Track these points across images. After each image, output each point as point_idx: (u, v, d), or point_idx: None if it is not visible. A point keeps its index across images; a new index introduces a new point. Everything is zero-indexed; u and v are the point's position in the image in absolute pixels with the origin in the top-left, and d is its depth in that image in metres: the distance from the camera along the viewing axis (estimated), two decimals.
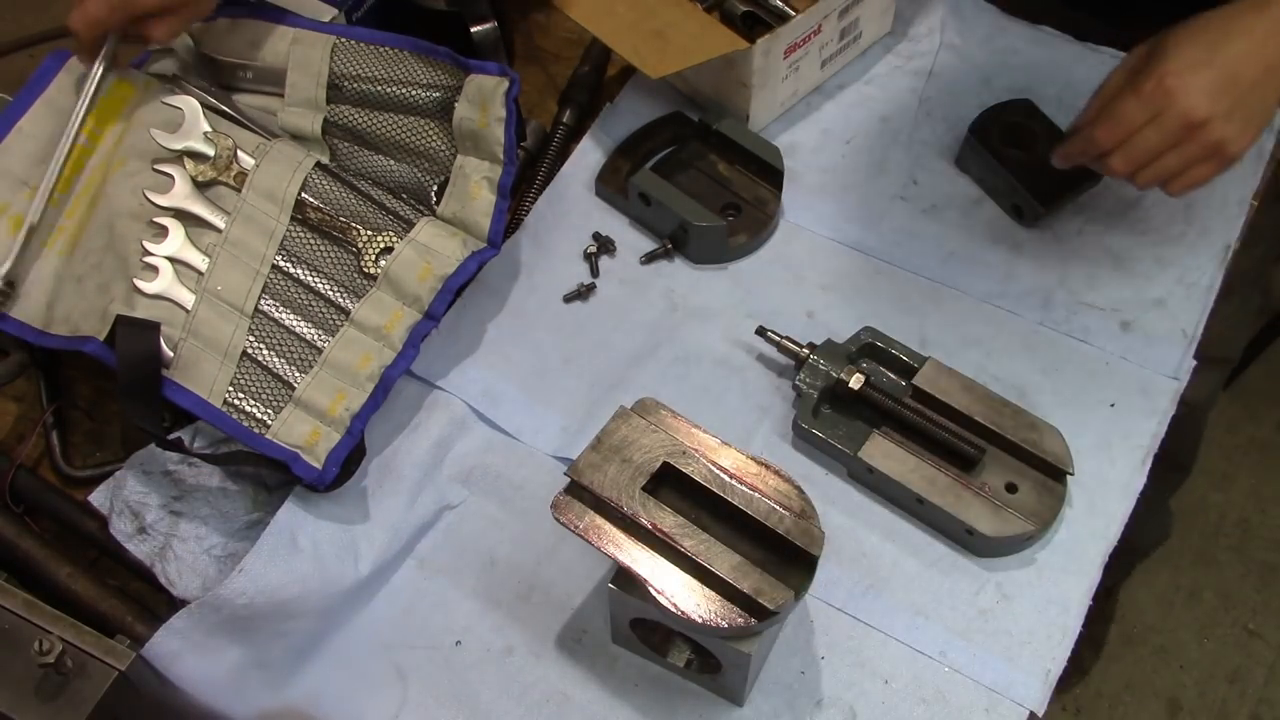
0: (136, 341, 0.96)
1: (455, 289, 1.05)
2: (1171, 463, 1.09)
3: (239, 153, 1.06)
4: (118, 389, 0.95)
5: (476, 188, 1.08)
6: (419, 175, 1.10)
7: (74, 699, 0.82)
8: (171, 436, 0.98)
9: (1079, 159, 1.00)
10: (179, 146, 1.04)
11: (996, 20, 1.27)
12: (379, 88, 1.09)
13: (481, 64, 1.07)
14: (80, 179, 1.06)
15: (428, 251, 1.04)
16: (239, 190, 1.04)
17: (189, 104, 1.06)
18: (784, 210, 1.17)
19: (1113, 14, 1.23)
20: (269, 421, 0.99)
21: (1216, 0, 0.92)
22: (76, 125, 1.04)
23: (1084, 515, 0.98)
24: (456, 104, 1.08)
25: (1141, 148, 0.92)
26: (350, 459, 0.99)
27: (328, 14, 1.14)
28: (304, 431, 0.98)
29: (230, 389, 0.99)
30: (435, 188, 1.10)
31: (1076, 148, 1.00)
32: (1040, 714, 0.90)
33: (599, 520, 0.82)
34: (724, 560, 0.80)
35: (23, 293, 1.02)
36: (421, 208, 1.09)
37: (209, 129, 1.05)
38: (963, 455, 0.97)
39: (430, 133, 1.09)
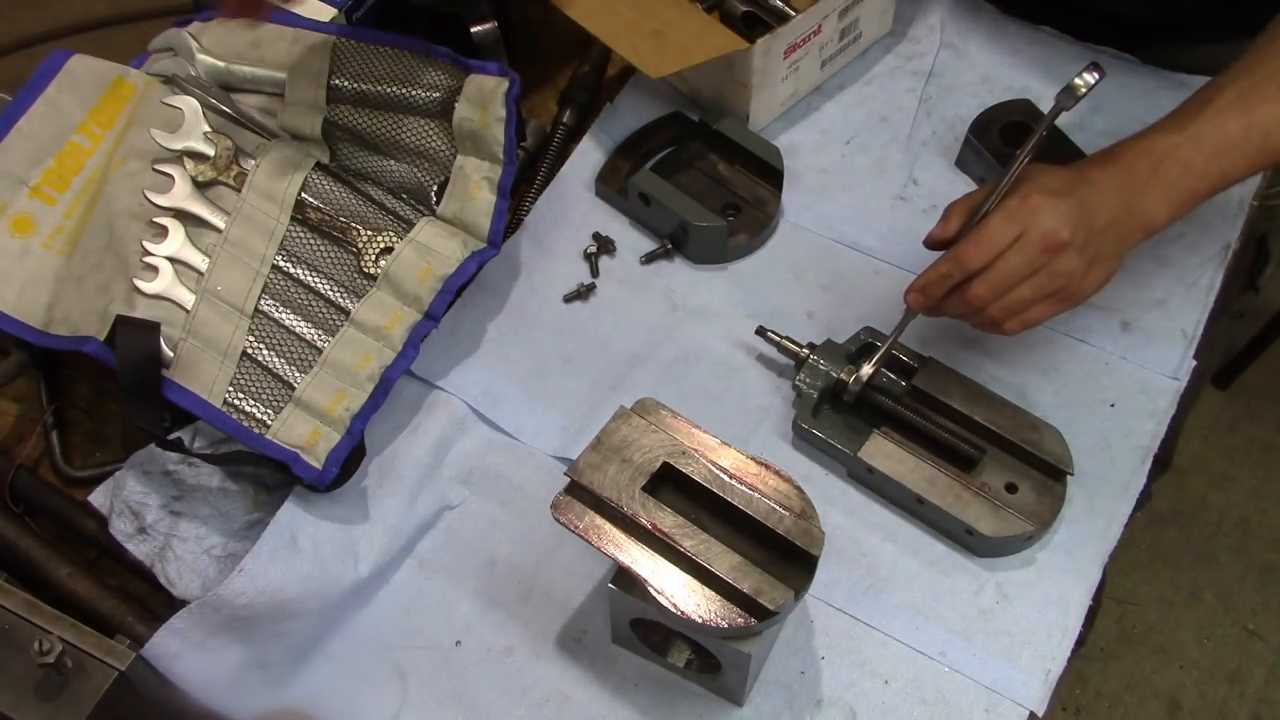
0: (137, 342, 0.96)
1: (455, 289, 1.05)
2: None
3: (239, 153, 1.06)
4: (118, 389, 0.95)
5: (476, 188, 1.08)
6: (419, 175, 1.10)
7: (74, 699, 0.82)
8: (171, 436, 0.98)
9: (942, 286, 0.93)
10: (179, 146, 1.04)
11: (996, 20, 1.27)
12: (379, 88, 1.09)
13: (481, 64, 1.07)
14: (80, 179, 1.06)
15: (428, 252, 1.04)
16: (239, 190, 1.04)
17: (189, 104, 1.06)
18: (784, 210, 1.17)
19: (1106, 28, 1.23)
20: (269, 421, 0.99)
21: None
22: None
23: (1084, 515, 0.98)
24: (456, 104, 1.08)
25: (1003, 271, 0.90)
26: (350, 459, 0.99)
27: (327, 14, 1.14)
28: (304, 431, 0.98)
29: (230, 389, 0.99)
30: (435, 188, 1.10)
31: (941, 271, 0.92)
32: (1040, 714, 0.90)
33: (599, 520, 0.82)
34: (724, 560, 0.80)
35: (23, 293, 1.02)
36: (421, 208, 1.09)
37: (209, 129, 1.05)
38: (963, 455, 0.97)
39: (430, 133, 1.09)
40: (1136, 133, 0.95)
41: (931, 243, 0.95)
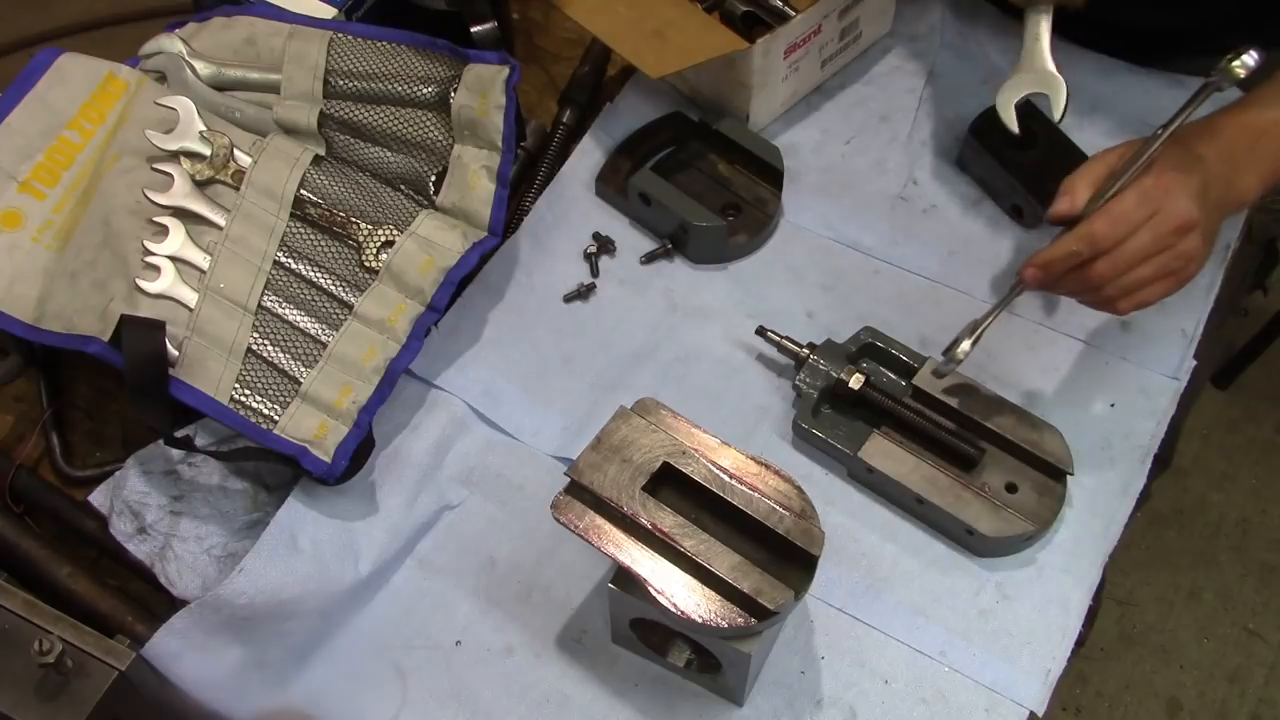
0: (142, 341, 0.95)
1: (457, 281, 1.05)
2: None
3: (235, 151, 1.05)
4: (127, 389, 0.95)
5: (475, 177, 1.08)
6: (417, 166, 1.10)
7: (74, 699, 0.82)
8: (180, 434, 0.98)
9: (1065, 264, 0.91)
10: (174, 147, 1.04)
11: (996, 20, 1.27)
12: (376, 83, 1.08)
13: (481, 54, 1.07)
14: (70, 174, 1.06)
15: (429, 245, 1.04)
16: (237, 188, 1.04)
17: (183, 104, 1.05)
18: (784, 210, 1.17)
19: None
20: (276, 417, 0.99)
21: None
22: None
23: (1084, 515, 0.98)
24: (456, 92, 1.07)
25: (1131, 250, 0.89)
26: (359, 451, 0.99)
27: (328, 14, 1.13)
28: (311, 426, 0.98)
29: (237, 386, 0.99)
30: (433, 178, 1.10)
31: (1070, 249, 0.90)
32: (1040, 714, 0.90)
33: (599, 520, 0.82)
34: (724, 560, 0.80)
35: (11, 286, 1.02)
36: (420, 198, 1.09)
37: (204, 128, 1.05)
38: (963, 455, 0.97)
39: (427, 124, 1.09)
40: (1233, 103, 0.95)
41: (1056, 218, 0.93)
